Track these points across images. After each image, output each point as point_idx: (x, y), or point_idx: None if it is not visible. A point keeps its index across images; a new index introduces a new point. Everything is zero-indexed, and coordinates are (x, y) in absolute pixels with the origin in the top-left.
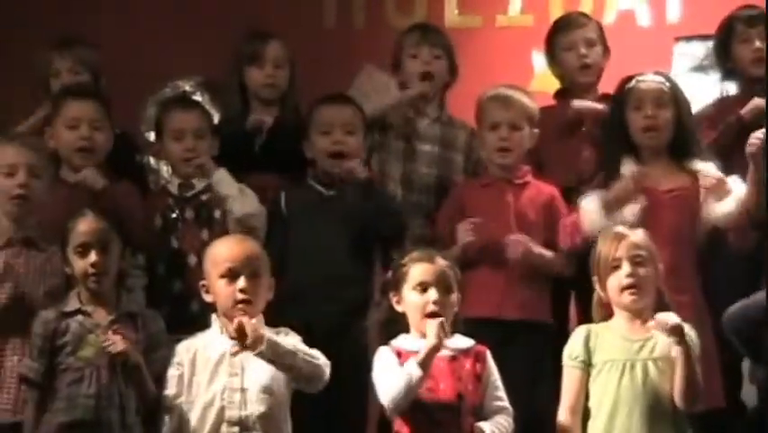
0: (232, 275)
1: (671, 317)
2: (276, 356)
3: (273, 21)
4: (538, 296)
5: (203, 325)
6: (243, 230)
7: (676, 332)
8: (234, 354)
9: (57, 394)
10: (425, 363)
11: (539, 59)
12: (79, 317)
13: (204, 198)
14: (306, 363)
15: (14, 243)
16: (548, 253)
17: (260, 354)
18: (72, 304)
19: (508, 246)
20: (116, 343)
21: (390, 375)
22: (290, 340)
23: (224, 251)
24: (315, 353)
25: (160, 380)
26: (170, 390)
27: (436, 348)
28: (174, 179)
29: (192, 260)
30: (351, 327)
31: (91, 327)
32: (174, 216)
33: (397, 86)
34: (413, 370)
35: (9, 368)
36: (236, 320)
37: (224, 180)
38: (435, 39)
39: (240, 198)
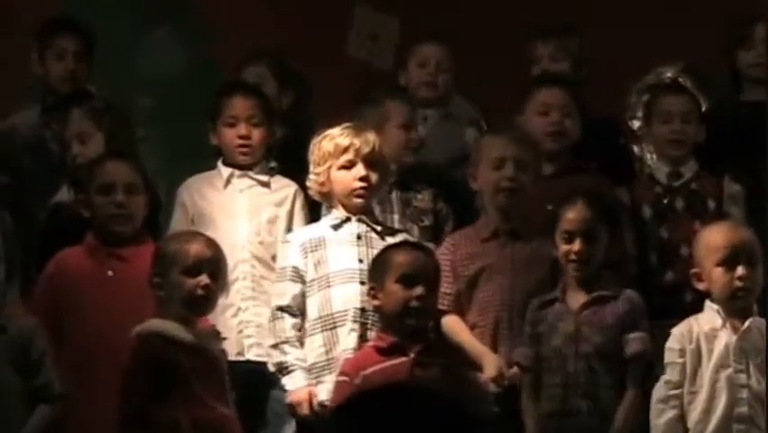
0: (729, 262)
1: None
2: None
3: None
4: None
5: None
6: None
7: None
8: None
9: None
10: None
11: None
12: (556, 306)
13: (694, 186)
14: None
15: (501, 234)
16: None
17: None
18: (554, 292)
19: None
20: None
21: None
22: None
23: (719, 237)
24: None
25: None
26: (672, 377)
27: None
28: (661, 167)
29: (684, 251)
30: None
31: (561, 314)
32: (664, 204)
33: None
34: None
35: None
36: None
37: None
38: None
39: None
